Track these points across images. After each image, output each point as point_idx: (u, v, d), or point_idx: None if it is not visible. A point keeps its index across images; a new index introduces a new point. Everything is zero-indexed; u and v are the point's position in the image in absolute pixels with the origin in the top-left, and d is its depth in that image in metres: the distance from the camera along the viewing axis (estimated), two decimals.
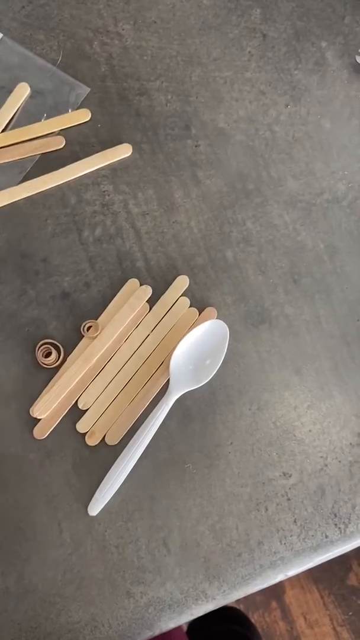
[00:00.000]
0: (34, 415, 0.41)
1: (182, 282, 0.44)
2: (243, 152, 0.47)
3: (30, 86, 0.48)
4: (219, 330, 0.42)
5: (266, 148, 0.47)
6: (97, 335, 0.42)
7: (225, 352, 0.42)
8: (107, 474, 0.40)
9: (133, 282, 0.44)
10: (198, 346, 0.42)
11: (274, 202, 0.46)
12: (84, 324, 0.42)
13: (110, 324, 0.43)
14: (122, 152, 0.47)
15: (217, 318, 0.44)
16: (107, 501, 0.40)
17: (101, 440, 0.41)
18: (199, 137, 0.47)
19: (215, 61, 0.49)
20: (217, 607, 0.39)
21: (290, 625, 1.23)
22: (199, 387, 0.42)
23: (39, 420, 0.41)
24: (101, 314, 0.43)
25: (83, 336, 0.43)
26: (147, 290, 0.44)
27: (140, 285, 0.44)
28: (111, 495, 0.40)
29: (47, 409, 0.41)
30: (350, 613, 1.23)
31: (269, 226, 0.46)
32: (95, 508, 0.40)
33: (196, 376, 0.42)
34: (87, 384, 0.42)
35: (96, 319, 0.43)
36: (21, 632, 0.38)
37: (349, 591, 1.24)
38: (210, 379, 0.42)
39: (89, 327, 0.42)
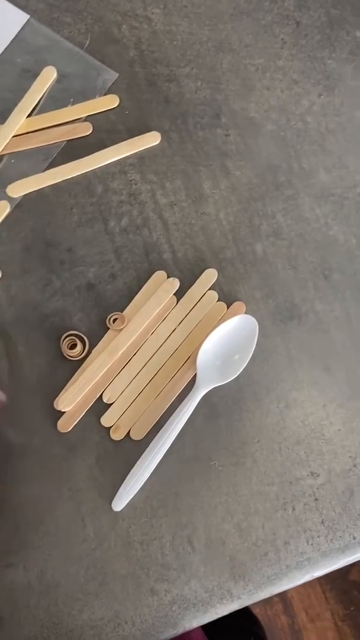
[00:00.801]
0: (58, 408, 0.40)
1: (210, 276, 0.43)
2: (274, 142, 0.46)
3: (57, 70, 0.46)
4: (248, 326, 0.41)
5: (298, 139, 0.46)
6: (123, 328, 0.41)
7: (254, 349, 0.41)
8: (132, 469, 0.39)
9: (160, 275, 0.43)
10: (226, 341, 0.41)
11: (305, 195, 0.45)
12: (109, 316, 0.42)
13: (137, 317, 0.42)
14: (150, 140, 0.45)
15: (245, 313, 0.43)
16: (131, 497, 0.39)
17: (126, 435, 0.40)
18: (229, 126, 0.46)
19: (247, 48, 0.48)
20: (241, 607, 0.39)
21: (291, 619, 1.24)
22: (226, 384, 0.41)
23: (63, 413, 0.40)
24: (127, 306, 0.43)
25: (108, 328, 0.42)
26: (175, 283, 0.43)
27: (168, 277, 0.43)
28: (136, 491, 0.39)
29: (72, 401, 0.40)
30: (352, 608, 1.24)
31: (300, 220, 0.45)
32: (119, 503, 0.39)
33: (224, 372, 0.41)
34: (112, 377, 0.41)
35: (122, 311, 0.42)
36: (43, 627, 0.38)
37: (350, 586, 1.24)
38: (238, 376, 0.41)
39: (115, 319, 0.42)
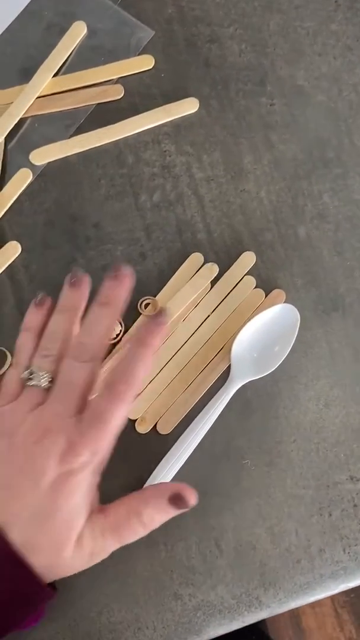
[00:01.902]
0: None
1: (248, 259, 0.40)
2: (323, 114, 0.42)
3: (87, 26, 0.42)
4: (289, 317, 0.38)
5: (350, 112, 0.42)
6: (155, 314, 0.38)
7: (293, 342, 0.38)
8: (159, 465, 0.37)
9: (196, 257, 0.39)
10: (264, 332, 0.38)
11: (355, 174, 0.41)
12: (141, 300, 0.38)
13: (170, 303, 0.38)
14: (188, 107, 0.41)
15: (284, 301, 0.39)
16: None
17: (152, 429, 0.38)
18: (275, 94, 0.42)
19: (297, 9, 0.43)
20: (270, 616, 0.36)
21: None
22: (261, 377, 0.38)
23: None
24: (156, 287, 0.39)
25: (139, 313, 0.38)
26: (213, 269, 0.39)
27: (204, 259, 0.39)
28: None
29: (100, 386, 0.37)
30: (352, 595, 1.23)
31: (349, 201, 0.41)
32: None
33: (260, 365, 0.38)
34: None
35: (151, 293, 0.39)
36: (58, 628, 0.35)
37: None
38: (274, 370, 0.38)
39: (147, 304, 0.38)
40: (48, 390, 0.32)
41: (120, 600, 0.36)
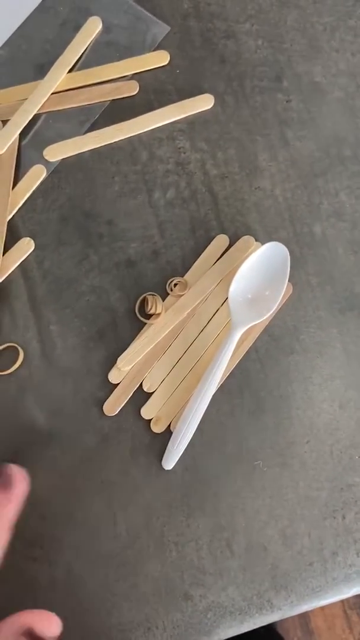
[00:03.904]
0: (119, 367, 0.37)
1: (247, 244, 0.39)
2: (341, 111, 0.41)
3: (102, 21, 0.42)
4: (278, 252, 0.37)
5: None
6: (183, 293, 0.38)
7: (287, 279, 0.37)
8: (177, 427, 0.36)
9: (222, 239, 0.39)
10: (256, 272, 0.37)
11: None
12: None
13: (200, 281, 0.39)
14: (203, 103, 0.41)
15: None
16: (180, 453, 0.36)
17: (167, 428, 0.37)
18: (291, 91, 0.41)
19: (315, 4, 0.42)
20: (282, 618, 0.36)
21: None
22: (274, 378, 0.38)
23: (97, 398, 0.37)
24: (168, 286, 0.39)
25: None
26: (250, 242, 0.39)
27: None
28: (184, 448, 0.36)
29: (132, 360, 0.37)
30: None
31: None
32: (169, 462, 0.36)
33: (258, 308, 0.37)
34: (152, 364, 0.38)
35: (159, 293, 0.39)
36: (67, 628, 0.35)
37: None
38: (289, 370, 0.38)
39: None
40: None
41: (131, 600, 0.36)
